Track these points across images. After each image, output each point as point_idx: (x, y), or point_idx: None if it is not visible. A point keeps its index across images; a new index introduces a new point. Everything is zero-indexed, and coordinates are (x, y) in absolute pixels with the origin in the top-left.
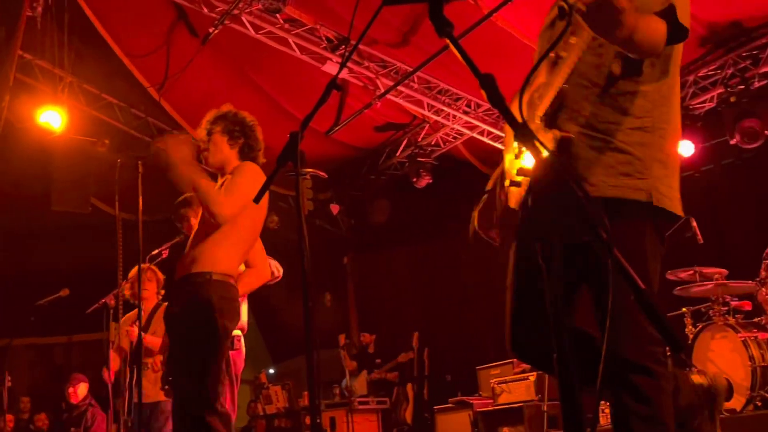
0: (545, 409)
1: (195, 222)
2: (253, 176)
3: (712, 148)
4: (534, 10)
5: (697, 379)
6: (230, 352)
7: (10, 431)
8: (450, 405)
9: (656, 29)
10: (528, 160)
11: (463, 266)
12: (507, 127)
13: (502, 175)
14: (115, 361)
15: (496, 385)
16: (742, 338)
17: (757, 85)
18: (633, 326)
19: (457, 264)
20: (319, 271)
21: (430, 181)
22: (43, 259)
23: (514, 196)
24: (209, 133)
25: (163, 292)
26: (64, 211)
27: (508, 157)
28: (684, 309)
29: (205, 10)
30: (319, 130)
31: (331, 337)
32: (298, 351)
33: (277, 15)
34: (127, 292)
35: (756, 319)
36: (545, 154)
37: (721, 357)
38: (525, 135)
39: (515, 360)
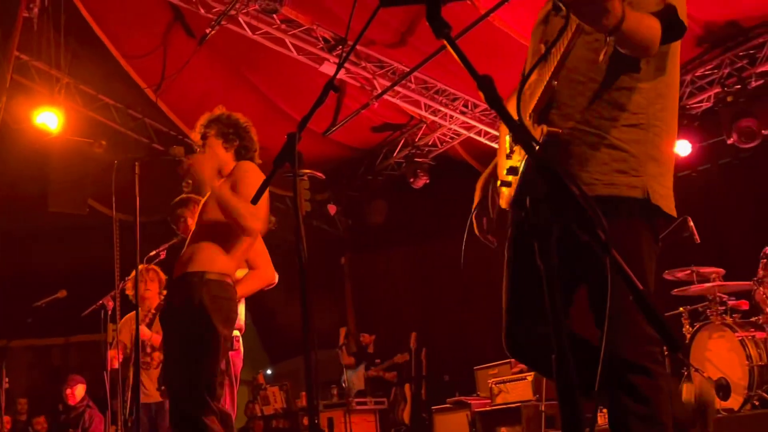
0: (543, 409)
1: (191, 222)
2: (257, 178)
3: (709, 148)
4: (531, 10)
5: (685, 395)
6: (229, 353)
7: None
8: (448, 405)
9: (650, 26)
10: (518, 160)
11: (461, 266)
12: (501, 129)
13: (494, 177)
14: (114, 360)
15: (493, 385)
16: (740, 337)
17: (754, 84)
18: (631, 326)
19: (454, 264)
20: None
21: (428, 181)
22: (40, 260)
23: (505, 196)
24: (204, 137)
25: (165, 292)
26: (61, 212)
27: (501, 157)
28: (681, 308)
29: (202, 10)
30: (317, 131)
31: (329, 337)
32: (295, 352)
33: (274, 15)
34: (129, 292)
35: (753, 319)
36: (540, 154)
37: (719, 356)
38: (521, 135)
39: (513, 360)
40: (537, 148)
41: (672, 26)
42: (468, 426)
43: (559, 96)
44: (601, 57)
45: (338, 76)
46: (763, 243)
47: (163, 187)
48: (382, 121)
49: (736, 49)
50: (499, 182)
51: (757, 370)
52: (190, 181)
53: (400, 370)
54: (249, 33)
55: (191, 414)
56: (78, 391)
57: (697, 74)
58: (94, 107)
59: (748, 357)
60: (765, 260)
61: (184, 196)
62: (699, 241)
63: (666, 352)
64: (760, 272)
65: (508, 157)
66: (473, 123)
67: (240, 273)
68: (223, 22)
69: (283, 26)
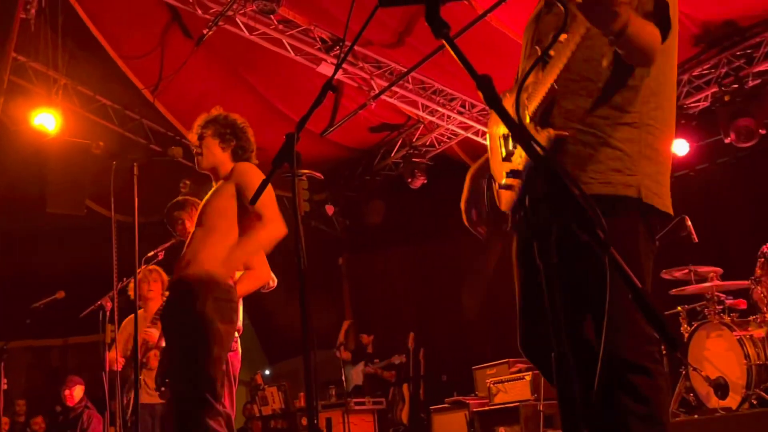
0: (541, 408)
1: (189, 224)
2: (259, 179)
3: (706, 147)
4: (528, 10)
5: None
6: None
7: None
8: (446, 405)
9: (651, 32)
10: (519, 162)
11: (459, 266)
12: (491, 129)
13: (489, 173)
14: (113, 361)
15: (492, 385)
16: (738, 337)
17: (751, 84)
18: (630, 326)
19: (452, 264)
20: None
21: (425, 181)
22: (38, 261)
23: (505, 199)
24: (201, 138)
25: (167, 293)
26: (60, 213)
27: (496, 160)
28: (679, 308)
29: (199, 11)
30: (314, 131)
31: (327, 337)
32: (293, 352)
33: (271, 16)
34: (131, 293)
35: (751, 318)
36: (541, 154)
37: (717, 355)
38: (522, 136)
39: (511, 360)
40: (544, 151)
41: (661, 23)
42: (466, 426)
43: (558, 98)
44: (605, 63)
45: (335, 77)
46: (760, 242)
47: (162, 187)
48: (380, 122)
49: (733, 49)
50: (497, 185)
51: (755, 369)
52: (188, 182)
53: (397, 370)
54: (246, 33)
55: (192, 414)
56: (76, 392)
57: (694, 74)
58: (91, 108)
59: (746, 356)
60: (762, 259)
61: (180, 198)
62: (697, 241)
63: (664, 351)
64: (758, 271)
65: (506, 159)
66: (471, 123)
67: (236, 274)
68: (220, 23)
69: (281, 27)
